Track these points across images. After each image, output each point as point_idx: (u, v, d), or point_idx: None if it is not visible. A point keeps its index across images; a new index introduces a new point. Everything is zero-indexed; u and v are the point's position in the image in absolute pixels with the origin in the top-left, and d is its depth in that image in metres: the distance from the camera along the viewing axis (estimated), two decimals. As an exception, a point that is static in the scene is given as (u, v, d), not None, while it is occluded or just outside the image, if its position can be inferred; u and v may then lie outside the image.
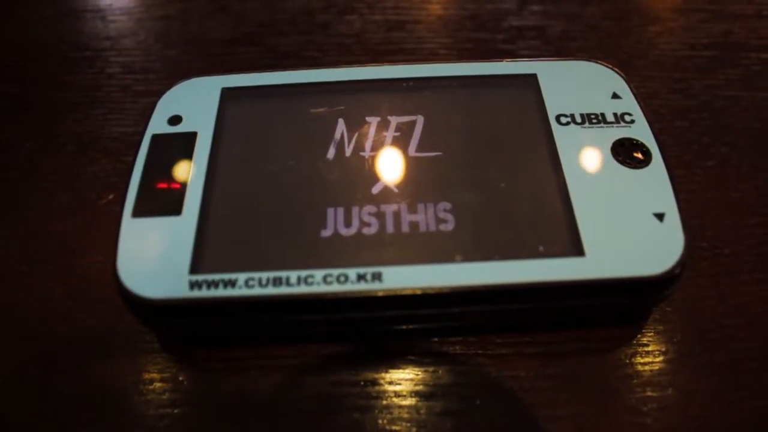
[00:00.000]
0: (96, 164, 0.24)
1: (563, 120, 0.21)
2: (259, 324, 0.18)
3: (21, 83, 0.26)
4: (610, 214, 0.18)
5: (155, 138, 0.21)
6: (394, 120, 0.21)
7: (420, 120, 0.21)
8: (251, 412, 0.18)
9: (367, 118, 0.21)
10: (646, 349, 0.19)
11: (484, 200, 0.19)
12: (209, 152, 0.20)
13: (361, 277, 0.17)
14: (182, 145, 0.21)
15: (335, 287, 0.17)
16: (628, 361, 0.19)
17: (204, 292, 0.17)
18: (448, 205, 0.19)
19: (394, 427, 0.17)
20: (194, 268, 0.18)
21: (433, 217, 0.19)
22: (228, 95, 0.22)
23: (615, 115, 0.21)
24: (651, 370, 0.18)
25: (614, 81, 0.22)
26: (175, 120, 0.21)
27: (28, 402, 0.18)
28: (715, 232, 0.21)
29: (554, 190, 0.19)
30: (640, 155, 0.20)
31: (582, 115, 0.21)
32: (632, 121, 0.20)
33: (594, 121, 0.21)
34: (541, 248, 0.18)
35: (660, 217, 0.18)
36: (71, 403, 0.18)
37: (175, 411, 0.18)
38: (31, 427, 0.18)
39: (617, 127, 0.20)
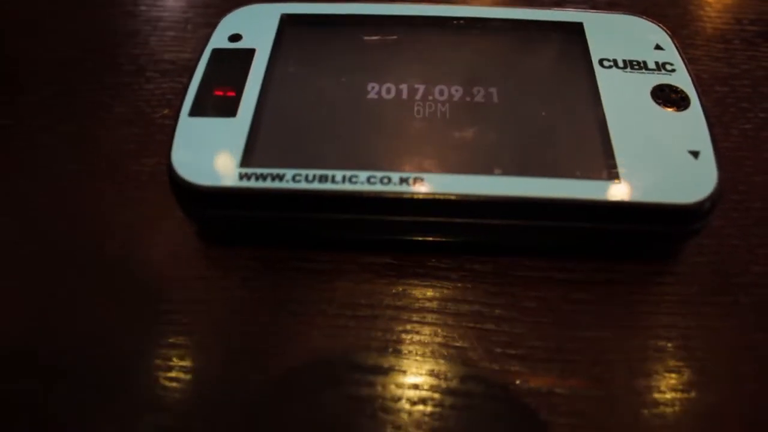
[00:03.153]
0: (153, 83, 0.25)
1: (606, 63, 0.21)
2: (302, 220, 0.19)
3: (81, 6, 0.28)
4: (647, 148, 0.19)
5: (215, 52, 0.22)
6: (443, 53, 0.22)
7: (469, 55, 0.22)
8: (281, 310, 0.19)
9: (418, 50, 0.22)
10: (672, 285, 0.19)
11: (527, 125, 0.20)
12: (266, 67, 0.21)
13: (403, 180, 0.18)
14: (240, 59, 0.22)
15: (378, 187, 0.18)
16: (653, 294, 0.19)
17: (252, 183, 0.18)
18: (492, 126, 0.20)
19: (417, 337, 0.18)
20: (245, 162, 0.19)
21: (477, 134, 0.20)
22: (287, 20, 0.23)
23: (657, 63, 0.21)
24: (676, 304, 0.19)
25: (658, 35, 0.22)
26: (235, 37, 0.22)
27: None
28: (748, 187, 0.21)
29: (594, 123, 0.20)
30: (678, 99, 0.20)
31: (624, 61, 0.21)
32: (673, 70, 0.21)
33: (636, 67, 0.21)
34: (577, 172, 0.19)
35: (695, 154, 0.19)
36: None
37: (203, 306, 0.19)
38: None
39: (658, 74, 0.21)
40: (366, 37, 0.23)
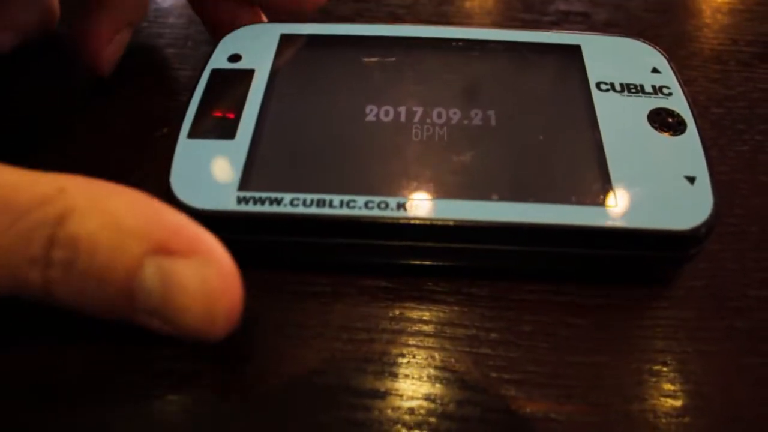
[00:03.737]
0: (153, 100, 0.25)
1: (603, 87, 0.21)
2: (300, 244, 0.19)
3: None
4: (643, 173, 0.19)
5: (215, 72, 0.22)
6: (441, 75, 0.22)
7: (467, 77, 0.22)
8: (277, 333, 0.19)
9: (416, 72, 0.22)
10: (667, 309, 0.19)
11: (523, 150, 0.20)
12: (264, 88, 0.22)
13: (400, 206, 0.18)
14: (240, 80, 0.22)
15: (375, 212, 0.18)
16: (649, 318, 0.19)
17: (250, 207, 0.18)
18: (490, 150, 0.20)
19: (413, 360, 0.18)
20: (243, 185, 0.19)
21: (475, 159, 0.20)
22: (286, 40, 0.23)
23: (653, 87, 0.21)
24: (672, 328, 0.19)
25: (655, 58, 0.22)
26: (234, 58, 0.23)
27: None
28: (744, 210, 0.22)
29: (590, 147, 0.20)
30: (675, 124, 0.20)
31: (621, 84, 0.22)
32: (670, 94, 0.21)
33: (633, 90, 0.21)
34: (573, 198, 0.19)
35: (691, 180, 0.19)
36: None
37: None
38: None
39: (655, 97, 0.21)
40: (365, 59, 0.23)
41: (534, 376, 0.18)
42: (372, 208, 0.18)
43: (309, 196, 0.18)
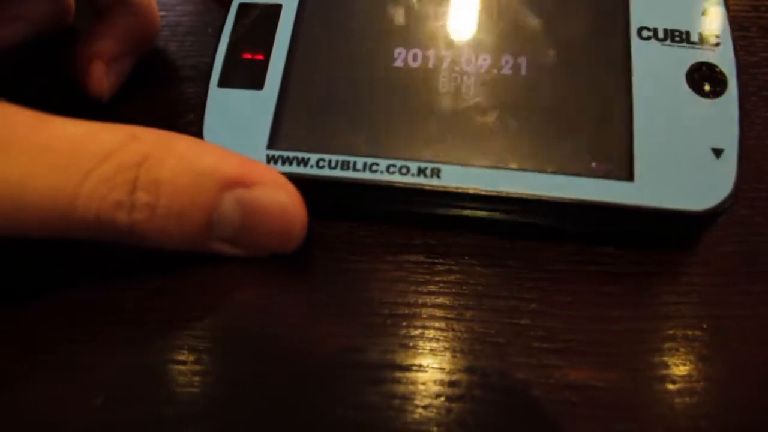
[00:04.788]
0: (175, 89, 0.24)
1: (645, 34, 0.20)
2: (327, 200, 0.20)
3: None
4: (669, 143, 0.19)
5: (242, 7, 0.22)
6: (474, 15, 0.21)
7: (501, 13, 0.21)
8: (321, 312, 0.19)
9: (447, 11, 0.21)
10: (701, 275, 0.19)
11: (547, 110, 0.20)
12: (292, 26, 0.21)
13: (421, 171, 0.19)
14: (267, 16, 0.21)
15: (396, 177, 0.19)
16: (685, 284, 0.19)
17: (279, 167, 0.19)
18: (513, 111, 0.20)
19: (453, 334, 0.18)
20: (271, 144, 0.20)
21: (497, 122, 0.20)
22: (314, -32, 0.22)
23: (700, 35, 0.20)
24: (706, 294, 0.19)
25: (710, -2, 0.21)
26: (261, -10, 0.22)
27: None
28: None
29: (619, 109, 0.19)
30: (714, 85, 0.19)
31: (666, 31, 0.20)
32: (717, 44, 0.20)
33: (677, 39, 0.20)
34: (593, 165, 0.19)
35: (718, 153, 0.19)
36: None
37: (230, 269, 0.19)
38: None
39: (699, 48, 0.20)
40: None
41: (574, 344, 0.18)
42: (393, 172, 0.19)
43: (334, 158, 0.19)
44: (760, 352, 0.18)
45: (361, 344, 0.18)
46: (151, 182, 0.16)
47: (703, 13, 0.20)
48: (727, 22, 0.20)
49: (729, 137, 0.19)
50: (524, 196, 0.19)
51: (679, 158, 0.19)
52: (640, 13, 0.21)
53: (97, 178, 0.16)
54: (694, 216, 0.18)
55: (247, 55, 0.21)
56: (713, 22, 0.20)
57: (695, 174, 0.18)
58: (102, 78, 0.22)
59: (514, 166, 0.19)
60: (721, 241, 0.20)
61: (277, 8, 0.22)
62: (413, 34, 0.21)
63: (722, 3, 0.20)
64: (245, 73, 0.21)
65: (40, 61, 0.25)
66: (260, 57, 0.21)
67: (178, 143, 0.17)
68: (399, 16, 0.21)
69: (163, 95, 0.24)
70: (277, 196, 0.18)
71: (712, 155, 0.19)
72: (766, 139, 0.22)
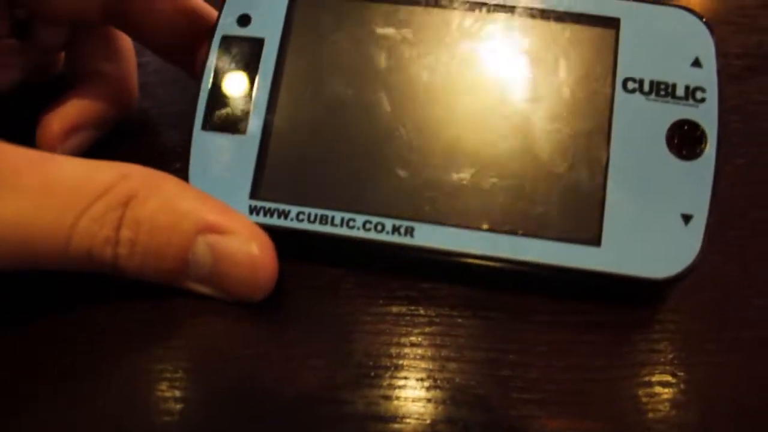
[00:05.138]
0: (163, 135, 0.25)
1: (630, 86, 0.20)
2: (307, 250, 0.21)
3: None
4: (639, 207, 0.19)
5: (225, 40, 0.22)
6: (461, 53, 0.21)
7: (486, 55, 0.21)
8: (304, 366, 0.20)
9: (433, 48, 0.21)
10: (676, 323, 0.20)
11: (521, 171, 0.20)
12: (275, 64, 0.21)
13: (395, 229, 0.20)
14: (250, 51, 0.21)
15: (371, 235, 0.20)
16: (659, 332, 0.20)
17: (260, 219, 0.20)
18: (488, 172, 0.20)
19: (436, 383, 0.19)
20: (254, 193, 0.20)
21: (473, 182, 0.20)
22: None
23: (686, 88, 0.20)
24: (680, 342, 0.20)
25: (701, 41, 0.20)
26: (244, 20, 0.22)
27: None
28: (744, 222, 0.22)
29: (594, 172, 0.19)
30: (693, 145, 0.19)
31: (651, 83, 0.20)
32: (701, 100, 0.20)
33: (662, 92, 0.20)
34: (562, 229, 0.19)
35: (687, 219, 0.19)
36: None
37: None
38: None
39: (683, 104, 0.20)
40: (379, 29, 0.21)
41: (552, 394, 0.19)
42: (369, 230, 0.20)
43: (313, 211, 0.20)
44: (732, 398, 0.19)
45: (345, 397, 0.19)
46: (134, 220, 0.18)
47: (693, 64, 0.20)
48: (715, 76, 0.20)
49: (700, 203, 0.19)
50: (492, 257, 0.19)
51: (647, 224, 0.19)
52: (627, 61, 0.20)
53: (90, 217, 0.17)
54: (655, 282, 0.19)
55: (230, 94, 0.21)
56: (701, 75, 0.20)
57: (662, 240, 0.19)
58: (54, 148, 0.22)
59: (485, 227, 0.20)
60: (695, 289, 0.21)
61: (260, 42, 0.21)
62: (397, 82, 0.21)
63: (713, 54, 0.20)
64: (228, 116, 0.21)
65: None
66: (242, 96, 0.21)
67: (165, 184, 0.18)
68: (384, 56, 0.21)
69: (150, 142, 0.25)
70: (248, 247, 0.18)
71: (681, 221, 0.19)
72: (737, 185, 0.22)
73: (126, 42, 0.24)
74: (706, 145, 0.19)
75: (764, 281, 0.21)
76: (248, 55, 0.21)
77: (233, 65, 0.21)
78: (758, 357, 0.19)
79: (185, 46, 0.23)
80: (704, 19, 0.20)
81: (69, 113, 0.23)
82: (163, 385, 0.19)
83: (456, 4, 0.21)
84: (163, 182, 0.19)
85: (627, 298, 0.20)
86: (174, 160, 0.24)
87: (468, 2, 0.21)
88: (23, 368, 0.20)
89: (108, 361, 0.20)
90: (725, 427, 0.18)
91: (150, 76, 0.26)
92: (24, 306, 0.21)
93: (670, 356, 0.20)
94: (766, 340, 0.20)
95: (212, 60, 0.21)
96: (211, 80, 0.21)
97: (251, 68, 0.21)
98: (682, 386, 0.19)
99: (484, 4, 0.21)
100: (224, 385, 0.19)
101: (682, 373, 0.19)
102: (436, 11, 0.21)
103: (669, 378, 0.19)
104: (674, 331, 0.20)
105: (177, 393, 0.19)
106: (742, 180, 0.22)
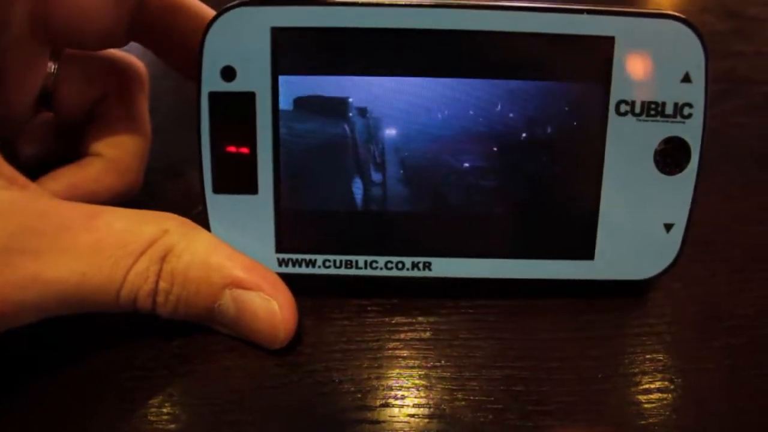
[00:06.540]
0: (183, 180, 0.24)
1: (622, 109, 0.21)
2: (335, 289, 0.23)
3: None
4: (627, 222, 0.22)
5: (213, 96, 0.21)
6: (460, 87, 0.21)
7: (476, 90, 0.21)
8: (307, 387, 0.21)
9: (428, 84, 0.21)
10: (671, 334, 0.22)
11: (520, 204, 0.22)
12: (271, 120, 0.21)
13: (414, 265, 0.22)
14: (242, 106, 0.21)
15: (393, 273, 0.22)
16: (657, 343, 0.22)
17: (289, 269, 0.22)
18: (492, 203, 0.22)
19: (459, 403, 0.20)
20: (279, 248, 0.22)
21: (475, 217, 0.22)
22: (281, 40, 0.20)
23: (675, 106, 0.21)
24: (675, 351, 0.22)
25: (692, 55, 0.20)
26: (228, 73, 0.21)
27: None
28: (726, 237, 0.24)
29: (588, 198, 0.21)
30: (677, 159, 0.21)
31: (643, 104, 0.21)
32: (689, 116, 0.21)
33: (652, 112, 0.21)
34: (560, 252, 0.22)
35: (668, 227, 0.22)
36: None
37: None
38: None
39: (671, 122, 0.21)
40: (371, 69, 0.21)
41: (564, 405, 0.20)
42: (391, 268, 0.22)
43: (337, 258, 0.22)
44: (726, 400, 0.20)
45: (369, 417, 0.20)
46: (170, 273, 0.20)
47: (683, 80, 0.20)
48: (703, 91, 0.20)
49: (681, 212, 0.21)
50: (502, 280, 0.22)
51: (634, 235, 0.22)
52: (620, 85, 0.20)
53: (135, 272, 0.20)
54: (638, 282, 0.22)
55: (233, 152, 0.21)
56: (689, 90, 0.20)
57: (646, 247, 0.22)
58: None
59: (494, 254, 0.22)
60: (687, 302, 0.23)
61: (251, 97, 0.21)
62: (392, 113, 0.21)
63: (703, 67, 0.20)
64: (236, 176, 0.21)
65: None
66: (246, 153, 0.21)
67: (199, 240, 0.20)
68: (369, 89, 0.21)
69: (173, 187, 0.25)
70: (269, 304, 0.20)
71: (663, 230, 0.22)
72: (718, 203, 0.24)
73: (142, 125, 0.25)
74: (689, 160, 0.21)
75: (746, 293, 0.23)
76: (242, 111, 0.21)
77: (228, 124, 0.21)
78: (745, 361, 0.21)
79: None
80: (698, 31, 0.20)
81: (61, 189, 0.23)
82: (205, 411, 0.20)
83: (456, 34, 0.20)
84: (198, 237, 0.20)
85: (613, 294, 0.23)
86: (196, 204, 0.23)
87: (460, 31, 0.20)
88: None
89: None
90: (720, 426, 0.20)
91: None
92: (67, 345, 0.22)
93: (668, 364, 0.21)
94: (751, 345, 0.22)
95: (205, 121, 0.21)
96: (209, 143, 0.21)
97: (248, 124, 0.21)
98: (679, 391, 0.21)
99: (474, 32, 0.20)
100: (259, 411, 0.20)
101: (679, 379, 0.21)
102: (429, 40, 0.20)
103: (667, 384, 0.21)
104: (670, 342, 0.22)
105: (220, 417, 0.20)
106: (723, 198, 0.24)
